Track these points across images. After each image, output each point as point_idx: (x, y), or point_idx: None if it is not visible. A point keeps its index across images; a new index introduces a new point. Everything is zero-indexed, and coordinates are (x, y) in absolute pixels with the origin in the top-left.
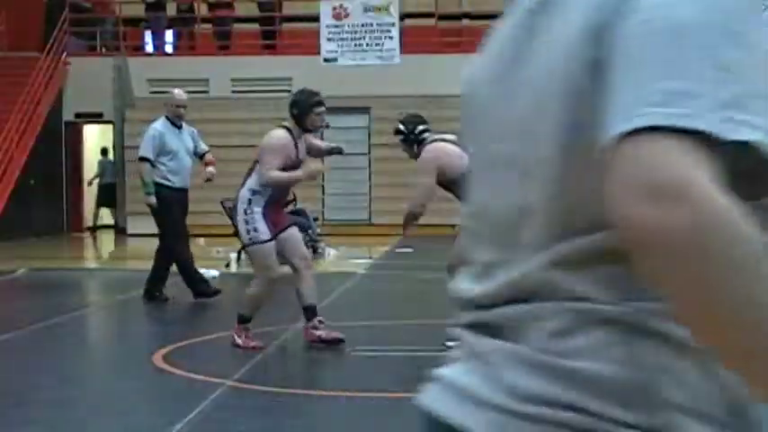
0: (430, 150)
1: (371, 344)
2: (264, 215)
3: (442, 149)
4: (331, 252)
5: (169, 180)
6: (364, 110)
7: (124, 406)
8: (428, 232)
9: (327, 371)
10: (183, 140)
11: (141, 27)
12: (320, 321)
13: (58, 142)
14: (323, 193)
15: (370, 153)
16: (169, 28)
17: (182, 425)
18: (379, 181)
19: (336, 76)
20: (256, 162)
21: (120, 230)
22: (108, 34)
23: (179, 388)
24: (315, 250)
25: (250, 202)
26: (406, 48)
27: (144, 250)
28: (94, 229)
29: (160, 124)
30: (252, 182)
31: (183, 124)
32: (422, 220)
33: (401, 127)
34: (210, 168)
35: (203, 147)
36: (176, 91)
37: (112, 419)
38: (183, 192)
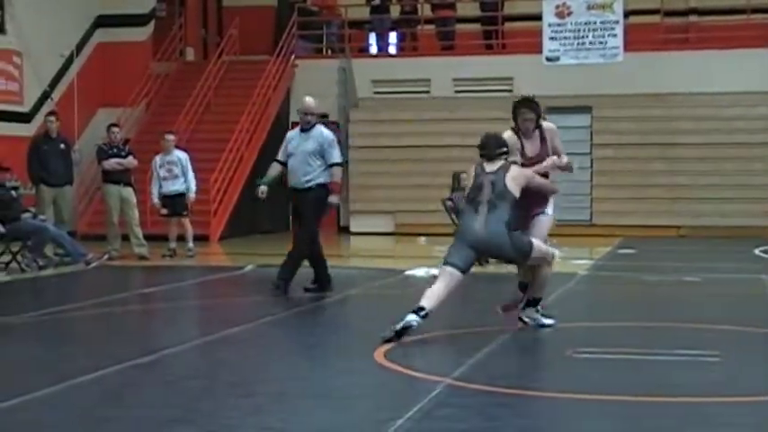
0: None
1: (591, 345)
2: None
3: None
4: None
5: None
6: (586, 109)
7: (346, 400)
8: (651, 234)
9: (546, 371)
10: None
11: (366, 29)
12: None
13: None
14: None
15: (591, 153)
16: (393, 29)
17: (403, 421)
18: (600, 181)
19: (558, 75)
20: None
21: (343, 229)
22: (334, 37)
23: (399, 384)
24: None
25: None
26: (629, 45)
27: (366, 248)
28: None
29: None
30: None
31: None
32: (643, 222)
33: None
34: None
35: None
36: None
37: (335, 413)
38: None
